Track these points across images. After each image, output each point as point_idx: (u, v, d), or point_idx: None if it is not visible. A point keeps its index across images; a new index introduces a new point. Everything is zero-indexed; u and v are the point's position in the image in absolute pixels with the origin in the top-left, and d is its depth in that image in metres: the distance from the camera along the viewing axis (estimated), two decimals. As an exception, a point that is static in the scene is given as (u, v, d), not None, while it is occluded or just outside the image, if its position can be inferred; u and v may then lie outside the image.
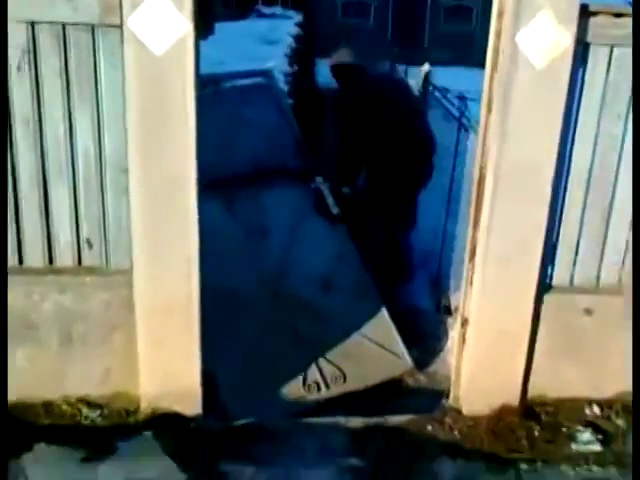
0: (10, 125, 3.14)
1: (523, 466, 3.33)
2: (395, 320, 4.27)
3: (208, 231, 3.29)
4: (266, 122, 4.61)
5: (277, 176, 4.50)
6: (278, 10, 14.73)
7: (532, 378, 3.67)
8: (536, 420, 3.62)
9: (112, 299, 3.36)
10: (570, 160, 3.40)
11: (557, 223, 3.49)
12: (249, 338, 3.89)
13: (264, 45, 8.02)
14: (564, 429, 3.59)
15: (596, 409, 3.69)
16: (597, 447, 3.47)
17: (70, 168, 3.21)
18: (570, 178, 3.43)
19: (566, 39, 3.14)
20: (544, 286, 3.55)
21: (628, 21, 3.20)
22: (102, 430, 3.37)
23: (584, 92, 3.32)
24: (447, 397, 3.76)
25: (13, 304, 3.28)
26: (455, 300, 4.39)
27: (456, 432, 3.53)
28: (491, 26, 3.25)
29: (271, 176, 4.45)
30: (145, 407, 3.44)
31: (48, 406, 3.44)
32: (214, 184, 3.85)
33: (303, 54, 9.85)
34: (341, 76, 5.24)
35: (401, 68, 11.73)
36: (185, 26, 3.00)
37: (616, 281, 3.61)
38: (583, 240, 3.55)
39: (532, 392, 3.70)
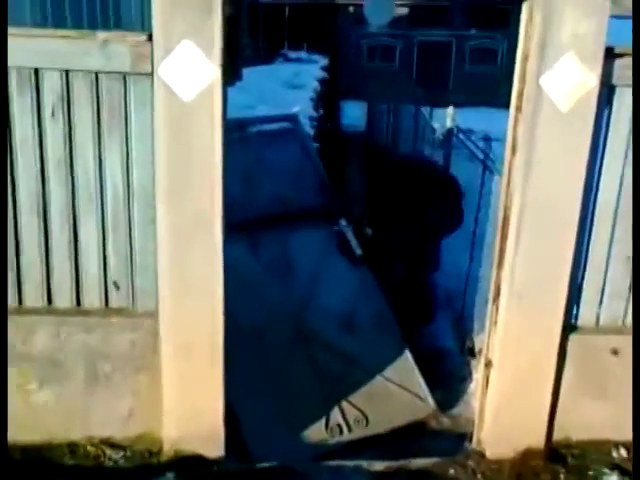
0: (42, 166, 3.23)
1: (548, 511, 3.30)
2: (418, 361, 4.26)
3: (233, 271, 3.35)
4: (292, 166, 4.69)
5: (302, 218, 4.55)
6: (304, 54, 14.98)
7: (557, 420, 3.64)
8: (562, 463, 3.58)
9: (138, 340, 3.41)
10: (595, 201, 3.41)
11: (582, 263, 3.49)
12: (272, 379, 3.91)
13: (290, 89, 8.16)
14: (590, 472, 3.54)
15: (623, 452, 3.65)
16: (624, 491, 3.43)
17: (99, 209, 3.29)
18: (595, 219, 3.43)
19: (591, 81, 3.17)
20: (569, 326, 3.54)
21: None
22: (125, 471, 3.40)
23: (609, 134, 3.34)
24: (470, 440, 3.73)
25: (40, 343, 3.35)
26: (479, 342, 4.38)
27: (479, 476, 3.50)
28: (516, 69, 3.29)
29: (296, 218, 4.51)
30: (168, 449, 3.46)
31: (73, 447, 3.48)
32: (241, 225, 3.92)
33: (328, 97, 9.99)
34: None
35: (426, 110, 11.82)
36: (213, 73, 3.08)
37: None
38: (609, 279, 3.54)
39: (557, 434, 3.66)
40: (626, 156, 3.38)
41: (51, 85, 3.14)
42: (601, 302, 3.59)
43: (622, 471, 3.54)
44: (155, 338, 3.36)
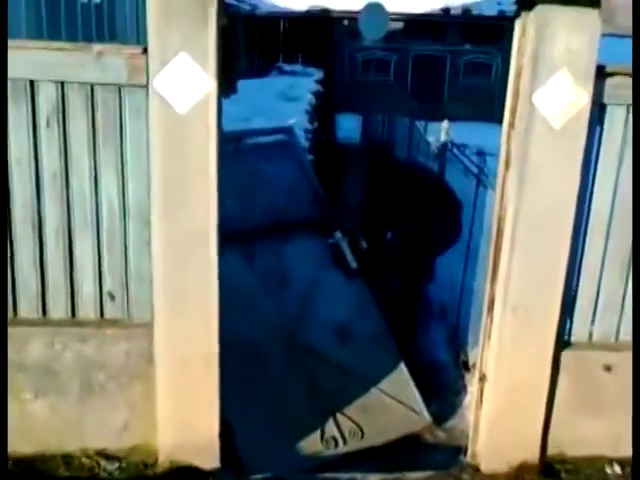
0: (37, 178, 3.23)
1: (542, 526, 3.29)
2: (413, 374, 4.26)
3: (228, 283, 3.35)
4: (287, 178, 4.70)
5: (297, 230, 4.56)
6: (299, 67, 15.04)
7: (551, 435, 3.64)
8: (556, 478, 3.58)
9: (133, 351, 3.40)
10: (588, 216, 3.43)
11: (575, 278, 3.51)
12: (267, 390, 3.90)
13: (285, 102, 8.19)
14: (584, 488, 3.55)
15: (617, 468, 3.65)
16: (618, 507, 3.43)
17: (94, 221, 3.29)
18: (588, 233, 3.45)
19: (583, 99, 3.19)
20: (563, 342, 3.55)
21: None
22: (120, 483, 3.39)
23: (601, 151, 3.37)
24: (465, 454, 3.73)
25: (35, 353, 3.34)
26: (473, 355, 4.38)
27: (474, 489, 3.50)
28: (508, 86, 3.32)
29: (291, 230, 4.51)
30: (163, 460, 3.45)
31: (67, 458, 3.46)
32: (235, 237, 3.92)
33: (323, 110, 10.02)
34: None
35: (420, 124, 11.87)
36: (208, 85, 3.09)
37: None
38: (602, 295, 3.56)
39: (551, 449, 3.66)
40: (618, 172, 3.40)
41: (46, 96, 3.15)
42: (594, 318, 3.60)
43: (616, 487, 3.54)
44: (150, 349, 3.36)
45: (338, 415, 3.98)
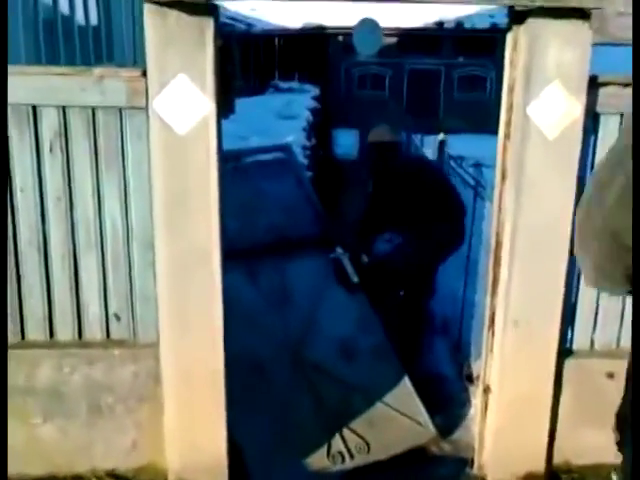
0: (42, 202, 3.28)
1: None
2: (417, 388, 4.28)
3: (231, 301, 3.38)
4: (286, 195, 4.74)
5: (298, 246, 4.59)
6: (295, 84, 15.11)
7: (557, 444, 3.66)
8: (562, 487, 3.60)
9: (140, 371, 3.43)
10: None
11: (575, 288, 3.54)
12: (273, 407, 3.92)
13: (282, 119, 8.24)
14: (591, 496, 3.56)
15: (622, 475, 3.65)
16: (625, 514, 3.42)
17: (99, 243, 3.33)
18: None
19: (576, 110, 3.23)
20: (565, 351, 3.57)
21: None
22: (129, 504, 3.41)
23: (596, 159, 3.40)
24: (471, 465, 3.75)
25: (44, 377, 3.37)
26: (476, 367, 4.40)
27: (481, 500, 3.52)
28: (502, 98, 3.36)
29: (292, 247, 4.54)
30: (172, 479, 3.46)
31: (78, 479, 3.48)
32: (237, 255, 3.95)
33: (320, 127, 10.09)
34: (377, 151, 5.32)
35: (416, 137, 11.93)
36: (207, 106, 3.14)
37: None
38: (602, 302, 3.58)
39: (557, 459, 3.68)
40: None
41: (49, 121, 3.20)
42: (595, 326, 3.63)
43: (622, 494, 3.54)
44: (157, 369, 3.38)
45: (344, 430, 3.99)
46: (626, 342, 3.61)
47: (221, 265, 3.28)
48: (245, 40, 15.64)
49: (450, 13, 19.18)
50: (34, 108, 3.18)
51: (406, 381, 4.28)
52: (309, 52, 17.94)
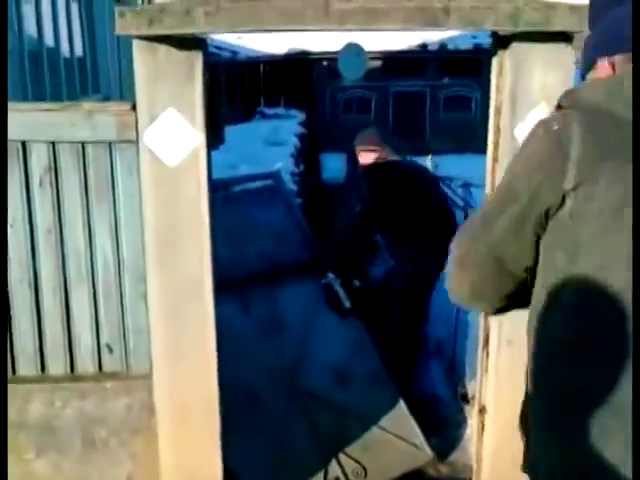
0: (32, 236, 3.28)
1: None
2: (413, 410, 4.28)
3: (224, 329, 3.39)
4: (276, 223, 4.76)
5: (289, 273, 4.60)
6: (281, 110, 15.17)
7: (554, 464, 3.65)
8: (560, 507, 3.58)
9: (133, 403, 3.42)
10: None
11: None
12: (268, 435, 3.91)
13: (270, 146, 8.28)
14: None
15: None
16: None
17: (90, 276, 3.33)
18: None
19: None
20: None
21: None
22: (125, 537, 3.38)
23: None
24: (469, 487, 3.74)
25: (36, 412, 3.35)
26: (472, 388, 4.41)
27: (480, 523, 3.50)
28: (490, 122, 3.40)
29: (283, 274, 4.56)
30: (168, 511, 3.45)
31: (72, 515, 3.46)
32: (228, 283, 3.96)
33: (308, 152, 10.13)
34: (370, 173, 5.31)
35: (404, 159, 11.97)
36: (197, 138, 3.16)
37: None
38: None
39: (555, 478, 3.67)
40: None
41: (39, 157, 3.21)
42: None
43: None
44: (150, 401, 3.37)
45: (340, 455, 3.99)
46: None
47: (213, 295, 3.29)
48: (230, 68, 15.74)
49: (433, 35, 19.37)
50: (23, 144, 3.19)
51: (401, 404, 4.29)
52: (294, 77, 18.06)
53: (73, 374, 3.42)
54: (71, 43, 11.39)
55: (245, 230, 4.61)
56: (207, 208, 3.23)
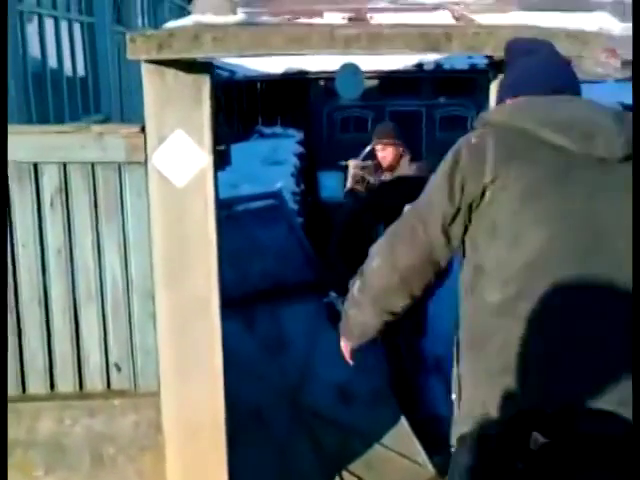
0: (43, 255, 3.34)
1: None
2: (414, 428, 4.32)
3: (228, 348, 3.44)
4: (279, 242, 4.82)
5: (292, 292, 4.66)
6: (278, 129, 15.24)
7: None
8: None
9: (141, 420, 3.46)
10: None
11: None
12: (273, 453, 3.95)
13: (270, 165, 8.35)
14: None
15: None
16: None
17: (99, 295, 3.39)
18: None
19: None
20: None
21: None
22: None
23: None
24: (472, 504, 3.77)
25: (45, 429, 3.40)
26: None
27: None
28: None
29: (286, 293, 4.61)
30: (174, 528, 3.48)
31: (80, 532, 3.49)
32: (232, 302, 4.01)
33: (307, 171, 10.20)
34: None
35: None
36: (205, 159, 3.23)
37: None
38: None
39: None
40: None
41: (50, 177, 3.27)
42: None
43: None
44: (158, 418, 3.42)
45: (344, 473, 4.02)
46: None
47: (220, 314, 3.35)
48: (228, 87, 15.85)
49: (429, 55, 19.52)
50: (35, 165, 3.26)
51: (403, 422, 4.33)
52: (291, 97, 18.16)
53: (82, 392, 3.46)
54: (74, 64, 11.53)
55: (248, 249, 4.67)
56: (214, 228, 3.29)
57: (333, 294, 4.68)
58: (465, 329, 2.05)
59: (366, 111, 21.25)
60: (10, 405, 3.24)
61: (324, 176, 13.95)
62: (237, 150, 9.52)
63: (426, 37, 3.18)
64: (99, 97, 12.54)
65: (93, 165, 3.29)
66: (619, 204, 1.89)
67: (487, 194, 1.95)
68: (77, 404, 3.44)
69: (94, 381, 3.46)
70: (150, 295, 3.35)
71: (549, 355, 1.83)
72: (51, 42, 10.60)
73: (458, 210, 2.00)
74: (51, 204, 3.30)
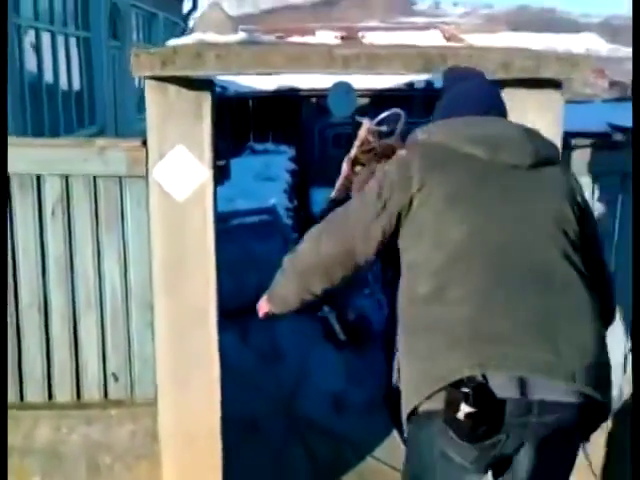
0: (43, 264, 3.40)
1: None
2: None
3: (224, 358, 3.49)
4: (274, 256, 4.87)
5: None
6: (270, 146, 15.31)
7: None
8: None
9: (137, 430, 3.50)
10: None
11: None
12: (267, 462, 4.00)
13: (263, 181, 8.42)
14: None
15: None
16: None
17: (98, 304, 3.44)
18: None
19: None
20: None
21: (605, 152, 3.55)
22: None
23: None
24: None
25: (43, 437, 3.44)
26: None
27: None
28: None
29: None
30: (169, 537, 3.52)
31: (77, 541, 3.52)
32: (228, 314, 4.07)
33: (300, 187, 10.28)
34: None
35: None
36: (205, 174, 3.30)
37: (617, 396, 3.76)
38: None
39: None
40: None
41: (51, 188, 3.34)
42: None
43: None
44: (154, 428, 3.46)
45: (336, 484, 4.08)
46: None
47: (217, 325, 3.41)
48: (220, 103, 15.84)
49: (420, 74, 19.66)
50: (38, 177, 3.32)
51: (395, 434, 4.39)
52: (283, 114, 18.23)
53: (79, 401, 3.51)
54: (69, 77, 11.60)
55: (244, 262, 4.74)
56: (212, 240, 3.36)
57: (326, 309, 4.75)
58: (400, 319, 2.25)
59: (358, 128, 21.29)
60: (8, 412, 3.31)
61: (316, 192, 14.06)
62: (232, 166, 9.59)
63: (422, 58, 3.28)
64: (94, 110, 12.60)
65: (95, 177, 3.35)
66: (529, 203, 2.21)
67: (414, 202, 2.22)
68: (74, 413, 3.49)
69: (91, 391, 3.51)
70: (148, 305, 3.40)
71: (472, 335, 2.02)
72: (48, 56, 10.68)
73: (381, 216, 2.26)
74: (52, 213, 3.35)
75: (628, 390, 3.59)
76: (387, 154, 3.08)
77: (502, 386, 1.97)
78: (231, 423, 3.58)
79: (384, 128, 5.77)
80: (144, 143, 3.30)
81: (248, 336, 4.43)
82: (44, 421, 3.46)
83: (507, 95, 3.35)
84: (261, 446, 4.05)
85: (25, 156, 3.29)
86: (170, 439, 3.47)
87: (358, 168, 3.70)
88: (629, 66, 3.64)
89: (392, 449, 4.30)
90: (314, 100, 20.03)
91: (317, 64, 3.24)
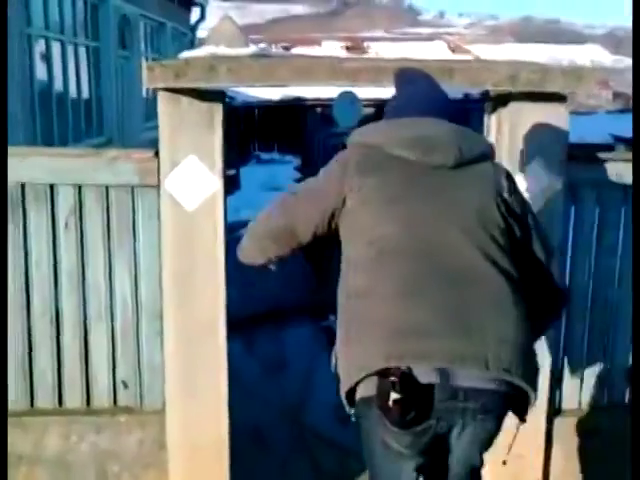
0: (55, 274, 3.44)
1: None
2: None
3: (231, 368, 3.52)
4: (280, 266, 4.91)
5: (292, 315, 4.76)
6: (276, 155, 15.40)
7: (550, 501, 3.77)
8: None
9: (145, 438, 3.54)
10: (569, 291, 3.65)
11: (562, 348, 3.72)
12: (273, 472, 4.02)
13: (269, 191, 8.47)
14: None
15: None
16: None
17: (109, 314, 3.48)
18: (570, 308, 3.67)
19: (557, 184, 3.45)
20: (554, 410, 3.72)
21: (609, 164, 3.59)
22: None
23: (577, 230, 3.63)
24: (467, 526, 3.84)
25: (52, 445, 3.47)
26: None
27: None
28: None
29: (286, 316, 4.71)
30: None
31: None
32: (234, 324, 4.10)
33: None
34: None
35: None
36: (216, 184, 3.35)
37: (620, 399, 3.80)
38: (587, 362, 3.75)
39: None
40: (591, 249, 3.67)
41: (65, 199, 3.38)
42: (582, 385, 3.79)
43: None
44: (162, 436, 3.50)
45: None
46: (611, 398, 3.78)
47: (226, 335, 3.44)
48: (227, 112, 15.91)
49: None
50: (51, 187, 3.37)
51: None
52: (288, 123, 18.31)
53: (89, 408, 3.54)
54: (78, 87, 11.68)
55: (250, 273, 4.75)
56: (222, 250, 3.40)
57: (332, 318, 4.77)
58: (339, 313, 2.42)
59: (362, 138, 21.34)
60: (17, 419, 3.36)
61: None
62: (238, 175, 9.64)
63: (429, 71, 3.31)
64: (102, 119, 12.68)
65: (107, 188, 3.40)
66: (452, 202, 2.35)
67: (347, 202, 2.38)
68: (84, 419, 3.52)
69: (101, 397, 3.54)
70: (158, 314, 3.44)
71: (396, 329, 2.18)
72: (58, 65, 10.76)
73: (318, 207, 2.43)
74: (66, 225, 3.40)
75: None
76: None
77: (425, 375, 2.12)
78: (237, 433, 3.60)
79: None
80: (156, 153, 3.34)
81: (254, 346, 4.46)
82: (54, 428, 3.50)
83: (513, 108, 3.43)
84: (267, 456, 4.08)
85: (38, 165, 3.34)
86: (177, 448, 3.50)
87: None
88: (634, 79, 3.67)
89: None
90: (319, 110, 20.05)
91: (323, 77, 3.29)
